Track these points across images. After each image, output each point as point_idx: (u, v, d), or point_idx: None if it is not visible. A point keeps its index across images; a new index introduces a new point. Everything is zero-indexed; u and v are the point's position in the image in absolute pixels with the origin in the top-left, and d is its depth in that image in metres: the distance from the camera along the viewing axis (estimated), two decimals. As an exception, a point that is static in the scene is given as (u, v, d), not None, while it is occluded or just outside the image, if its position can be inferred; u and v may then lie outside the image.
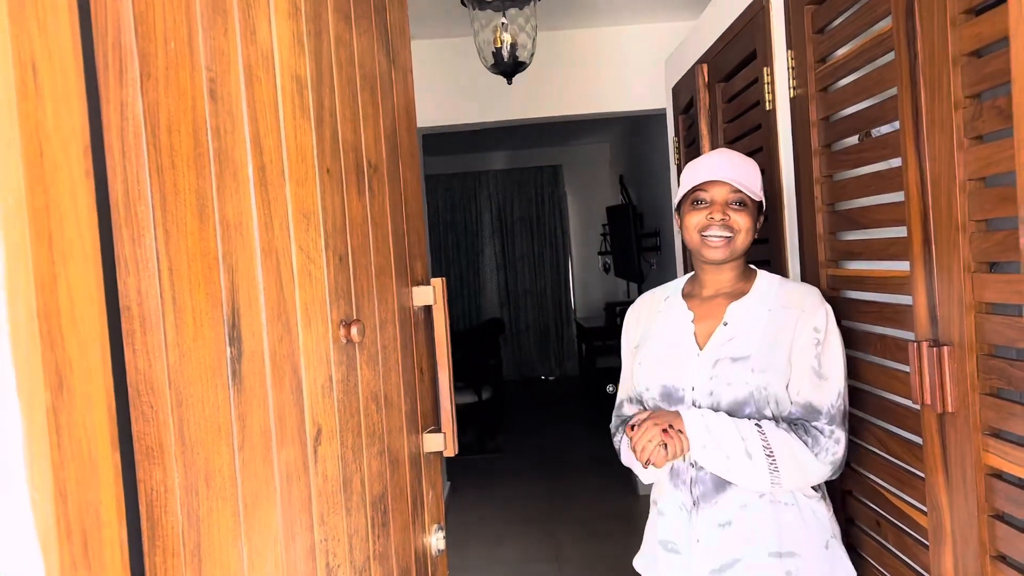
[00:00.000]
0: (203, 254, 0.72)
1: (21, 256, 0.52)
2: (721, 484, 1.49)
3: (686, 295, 1.64)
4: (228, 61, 0.77)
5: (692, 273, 1.67)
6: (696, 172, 1.56)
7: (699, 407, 1.51)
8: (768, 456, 1.41)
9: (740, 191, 1.52)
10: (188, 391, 0.69)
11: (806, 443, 1.43)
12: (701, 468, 1.50)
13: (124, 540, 0.60)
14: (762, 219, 1.60)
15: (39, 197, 0.54)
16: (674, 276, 3.84)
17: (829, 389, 1.46)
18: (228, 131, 0.76)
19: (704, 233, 1.53)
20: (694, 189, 1.55)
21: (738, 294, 1.58)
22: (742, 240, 1.53)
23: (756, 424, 1.44)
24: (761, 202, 1.58)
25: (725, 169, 1.53)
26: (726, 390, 1.49)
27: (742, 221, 1.52)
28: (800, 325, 1.48)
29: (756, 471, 1.42)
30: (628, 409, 1.69)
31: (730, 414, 1.49)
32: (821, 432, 1.44)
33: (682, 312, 1.60)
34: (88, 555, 0.56)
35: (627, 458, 1.60)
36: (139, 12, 0.67)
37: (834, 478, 1.50)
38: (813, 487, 1.49)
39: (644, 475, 1.57)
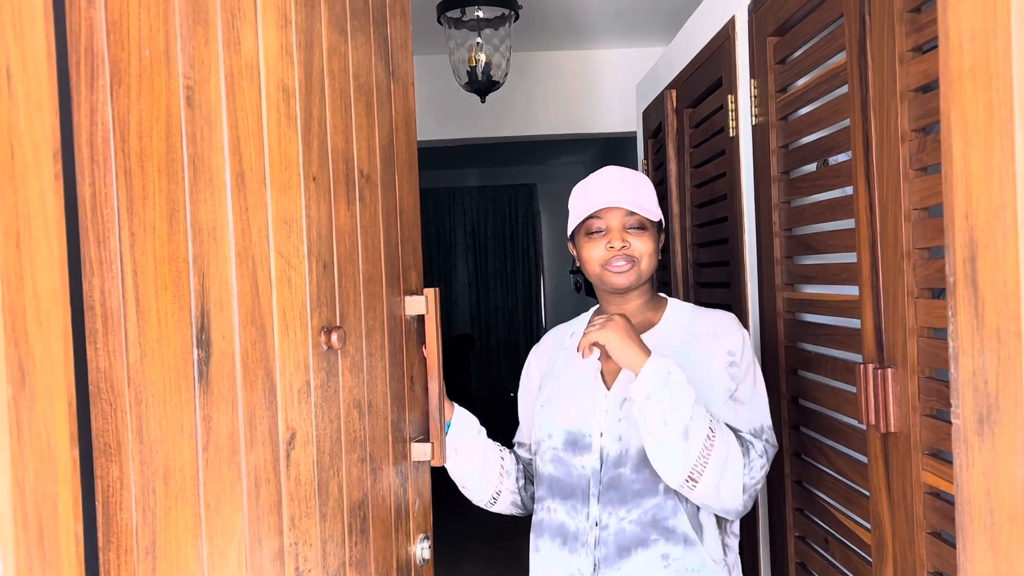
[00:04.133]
0: (171, 258, 0.73)
1: (-12, 253, 0.53)
2: (625, 548, 1.36)
3: None
4: (208, 70, 0.79)
5: (597, 306, 1.55)
6: (586, 198, 1.43)
7: (607, 457, 1.38)
8: (705, 451, 1.25)
9: (636, 213, 1.41)
10: (148, 390, 0.71)
11: (743, 460, 1.29)
12: (605, 527, 1.37)
13: (80, 534, 0.62)
14: (662, 237, 1.49)
15: (8, 197, 0.55)
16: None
17: (747, 415, 1.36)
18: (205, 138, 0.78)
19: (606, 266, 1.42)
20: (588, 218, 1.43)
21: (647, 325, 1.47)
22: (647, 264, 1.43)
23: (710, 415, 1.29)
24: (660, 221, 1.47)
25: (618, 192, 1.41)
26: (634, 434, 1.35)
27: (643, 246, 1.42)
28: (714, 350, 1.39)
29: (681, 458, 1.25)
30: (520, 451, 1.59)
31: (641, 463, 1.35)
32: (752, 445, 1.32)
33: None
34: (44, 546, 0.58)
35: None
36: (112, 20, 0.69)
37: (734, 518, 1.38)
38: (715, 558, 1.36)
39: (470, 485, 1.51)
